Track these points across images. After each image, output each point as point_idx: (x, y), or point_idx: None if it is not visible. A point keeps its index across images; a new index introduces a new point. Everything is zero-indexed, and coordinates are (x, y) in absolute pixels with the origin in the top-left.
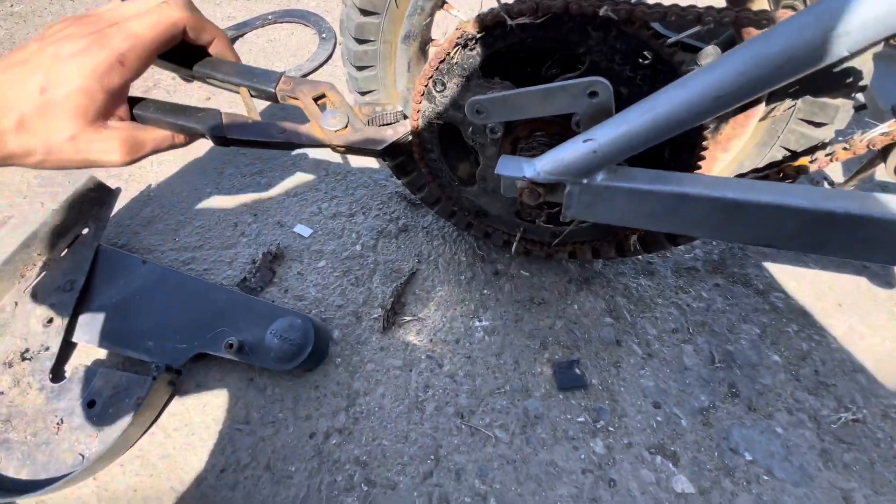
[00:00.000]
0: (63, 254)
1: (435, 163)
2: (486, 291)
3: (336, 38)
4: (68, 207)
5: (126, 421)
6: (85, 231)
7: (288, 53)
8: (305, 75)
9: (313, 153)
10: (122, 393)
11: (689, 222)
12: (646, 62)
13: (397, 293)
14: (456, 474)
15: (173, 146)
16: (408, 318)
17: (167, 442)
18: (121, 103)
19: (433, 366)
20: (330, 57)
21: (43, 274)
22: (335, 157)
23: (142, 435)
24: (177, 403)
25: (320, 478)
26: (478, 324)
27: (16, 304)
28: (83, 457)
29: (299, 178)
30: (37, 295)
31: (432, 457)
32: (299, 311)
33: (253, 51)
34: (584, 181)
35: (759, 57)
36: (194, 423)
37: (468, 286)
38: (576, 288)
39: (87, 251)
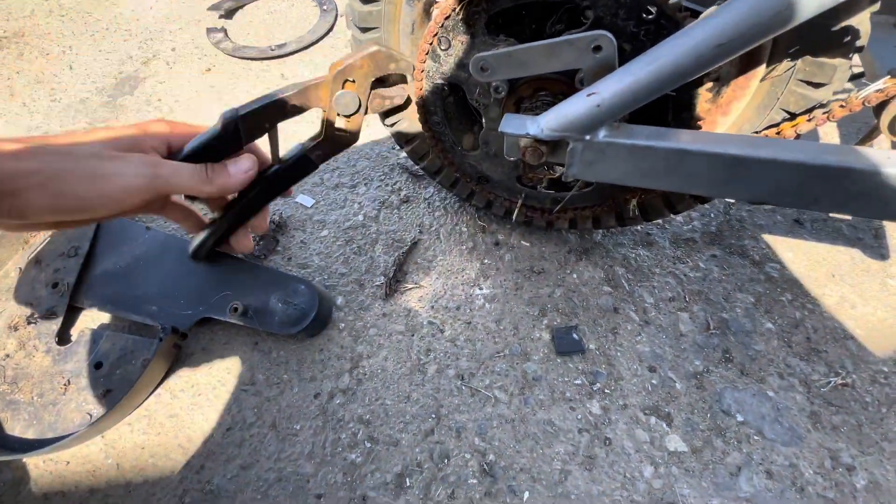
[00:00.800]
0: None
1: (438, 126)
2: (486, 261)
3: (337, 10)
4: None
5: (132, 381)
6: None
7: (289, 26)
8: (306, 47)
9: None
10: (129, 355)
11: (690, 179)
12: (649, 17)
13: (399, 262)
14: (456, 432)
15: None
16: (410, 286)
17: (174, 402)
18: None
19: (434, 331)
20: (331, 29)
21: (46, 240)
22: None
23: (148, 396)
24: (182, 366)
25: (325, 435)
26: (478, 292)
27: (20, 269)
28: (90, 416)
29: None
30: (41, 261)
31: (433, 416)
32: (303, 278)
33: (253, 22)
34: (587, 137)
35: (759, 3)
36: (200, 384)
37: (469, 256)
38: (575, 258)
39: None
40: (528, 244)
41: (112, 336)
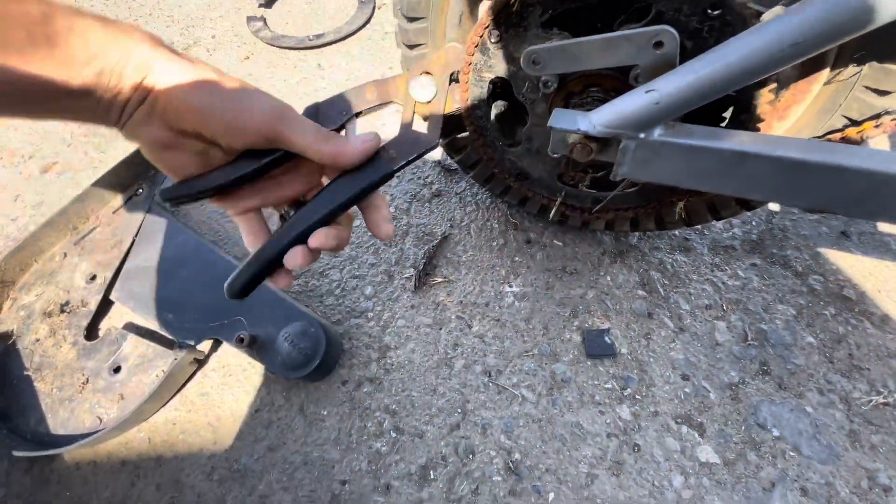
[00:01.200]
0: (115, 211)
1: (481, 120)
2: (517, 258)
3: (375, 2)
4: (127, 165)
5: (146, 393)
6: (140, 191)
7: (327, 16)
8: (344, 38)
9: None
10: (147, 364)
11: (747, 183)
12: (715, 13)
13: (429, 255)
14: (482, 428)
15: None
16: (439, 280)
17: (205, 381)
18: None
19: (462, 326)
20: (369, 21)
21: (94, 229)
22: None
23: (160, 408)
24: (215, 347)
25: (351, 422)
26: (508, 289)
27: (65, 254)
28: (100, 420)
29: None
30: (85, 249)
31: (459, 410)
32: (317, 317)
33: (292, 12)
34: (642, 136)
35: (840, 3)
36: (231, 364)
37: (500, 252)
38: (609, 260)
39: (139, 211)
40: (560, 243)
41: (134, 341)
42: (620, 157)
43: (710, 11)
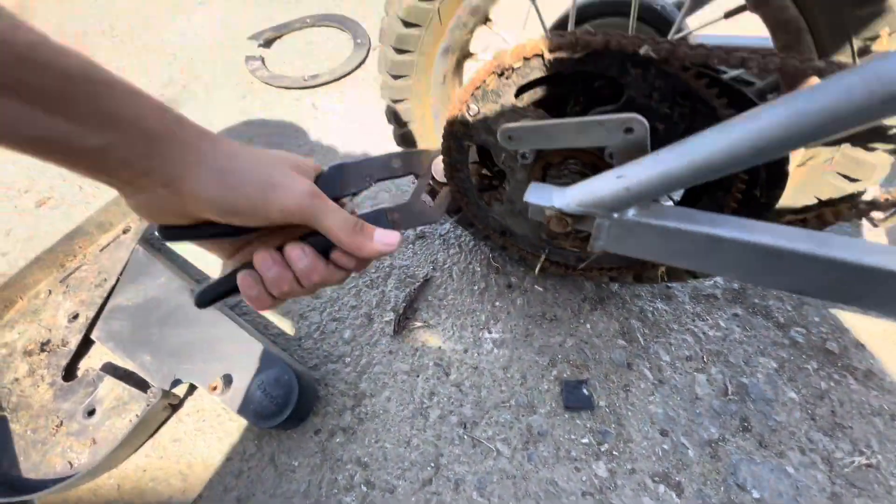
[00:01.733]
0: (102, 249)
1: (463, 182)
2: (498, 303)
3: (370, 44)
4: (117, 202)
5: (119, 438)
6: (127, 229)
7: (323, 56)
8: (338, 79)
9: (340, 152)
10: (122, 407)
11: (720, 264)
12: (685, 101)
13: (410, 298)
14: (455, 484)
15: None
16: (419, 324)
17: (178, 426)
18: None
19: (440, 373)
20: (363, 62)
21: (80, 266)
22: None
23: (132, 454)
24: (190, 390)
25: (322, 474)
26: (487, 335)
27: (49, 292)
28: (71, 465)
29: None
30: (70, 287)
31: (432, 464)
32: (293, 363)
33: (289, 52)
34: (615, 216)
35: (801, 113)
36: (206, 409)
37: (480, 297)
38: (590, 307)
39: (125, 251)
40: (541, 289)
41: (110, 383)
42: (596, 233)
43: (678, 99)
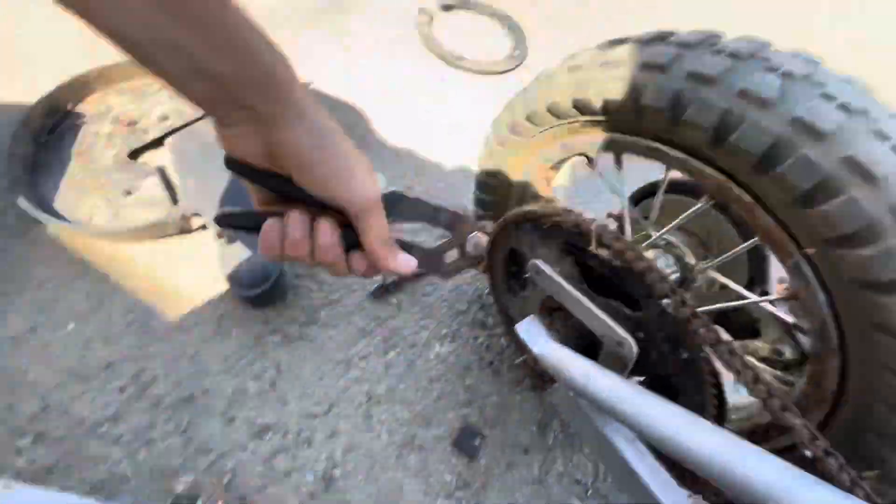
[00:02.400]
0: None
1: (492, 269)
2: (463, 329)
3: (524, 60)
4: None
5: (132, 224)
6: None
7: (477, 46)
8: (477, 72)
9: None
10: (150, 204)
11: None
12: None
13: (401, 278)
14: (332, 432)
15: None
16: (394, 302)
17: (175, 248)
18: None
19: (382, 348)
20: (507, 71)
21: None
22: None
23: (134, 242)
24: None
25: (245, 354)
26: (438, 347)
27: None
28: (90, 218)
29: None
30: None
31: (326, 407)
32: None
33: (454, 25)
34: (571, 393)
35: None
36: (202, 254)
37: (455, 315)
38: (531, 385)
39: None
40: (509, 349)
41: (154, 181)
42: (558, 387)
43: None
